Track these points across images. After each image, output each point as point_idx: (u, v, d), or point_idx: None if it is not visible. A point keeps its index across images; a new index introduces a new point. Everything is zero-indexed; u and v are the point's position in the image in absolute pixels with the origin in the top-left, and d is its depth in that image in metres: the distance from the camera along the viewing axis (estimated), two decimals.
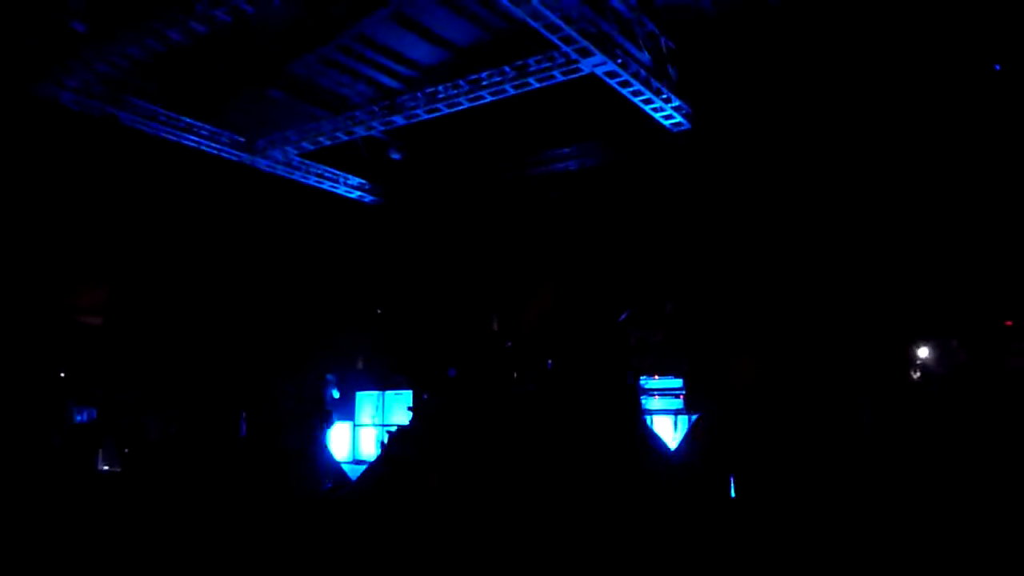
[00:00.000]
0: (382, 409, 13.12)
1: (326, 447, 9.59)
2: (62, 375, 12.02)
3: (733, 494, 2.96)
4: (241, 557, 3.43)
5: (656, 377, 10.99)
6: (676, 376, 10.81)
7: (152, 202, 11.99)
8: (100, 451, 9.26)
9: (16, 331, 10.82)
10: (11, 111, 9.69)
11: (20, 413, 9.82)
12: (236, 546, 3.50)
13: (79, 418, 10.96)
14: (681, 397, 10.69)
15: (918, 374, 8.40)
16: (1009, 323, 8.95)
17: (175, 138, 11.54)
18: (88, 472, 8.65)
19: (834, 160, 9.89)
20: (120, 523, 4.70)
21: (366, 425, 13.18)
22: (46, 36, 8.97)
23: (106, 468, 9.16)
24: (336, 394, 10.86)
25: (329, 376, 11.04)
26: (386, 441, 3.50)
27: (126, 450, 8.73)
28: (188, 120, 11.52)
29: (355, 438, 13.39)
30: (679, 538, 2.32)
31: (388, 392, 13.37)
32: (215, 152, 12.11)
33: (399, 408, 12.62)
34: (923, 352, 8.64)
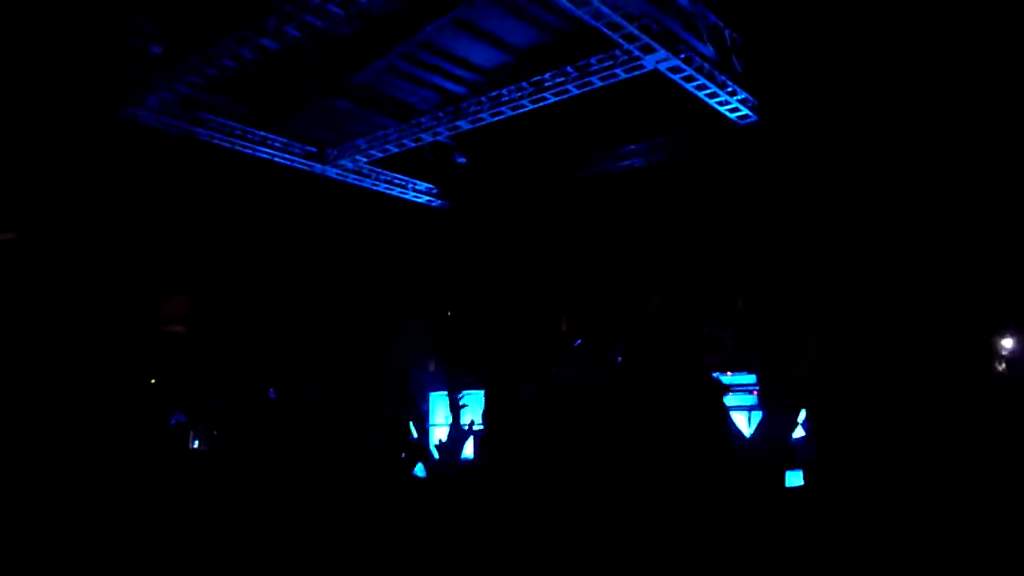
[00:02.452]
0: None
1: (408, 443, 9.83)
2: (152, 381, 12.55)
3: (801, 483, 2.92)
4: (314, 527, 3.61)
5: (729, 373, 10.81)
6: (749, 372, 10.62)
7: (229, 213, 12.43)
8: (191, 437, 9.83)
9: (111, 340, 11.35)
10: (97, 135, 10.21)
11: (120, 416, 10.33)
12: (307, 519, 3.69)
13: (173, 421, 11.46)
14: (755, 393, 10.50)
15: (1003, 366, 8.05)
16: None
17: (250, 151, 11.94)
18: (183, 453, 9.19)
19: (910, 144, 9.55)
20: (211, 492, 5.05)
21: (440, 425, 13.37)
22: (126, 61, 9.42)
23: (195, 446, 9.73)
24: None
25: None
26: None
27: (215, 432, 9.19)
28: (262, 133, 11.90)
29: (430, 437, 13.60)
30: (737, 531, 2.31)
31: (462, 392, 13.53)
32: (288, 163, 12.48)
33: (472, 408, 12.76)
34: (1009, 343, 8.27)
